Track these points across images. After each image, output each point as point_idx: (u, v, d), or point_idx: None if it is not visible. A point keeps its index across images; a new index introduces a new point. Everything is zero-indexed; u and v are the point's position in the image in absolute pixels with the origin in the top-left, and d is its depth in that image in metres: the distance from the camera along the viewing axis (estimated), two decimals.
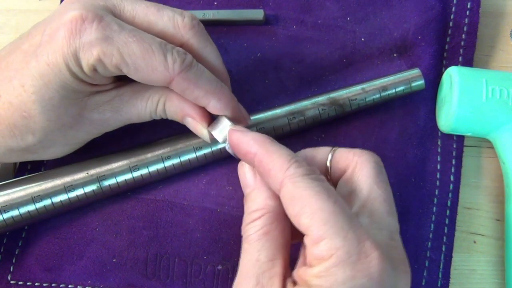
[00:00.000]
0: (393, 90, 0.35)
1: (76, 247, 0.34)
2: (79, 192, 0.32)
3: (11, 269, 0.34)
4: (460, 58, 0.38)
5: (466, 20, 0.38)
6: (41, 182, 0.32)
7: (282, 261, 0.26)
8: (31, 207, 0.32)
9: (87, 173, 0.32)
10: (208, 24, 0.39)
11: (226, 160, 0.35)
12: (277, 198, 0.27)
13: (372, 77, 0.36)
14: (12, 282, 0.34)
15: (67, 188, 0.32)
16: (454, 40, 0.38)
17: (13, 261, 0.34)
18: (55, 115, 0.29)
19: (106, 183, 0.33)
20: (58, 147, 0.31)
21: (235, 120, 0.31)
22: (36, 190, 0.32)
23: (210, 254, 0.34)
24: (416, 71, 0.35)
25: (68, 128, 0.30)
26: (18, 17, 0.41)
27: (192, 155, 0.33)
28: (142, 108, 0.31)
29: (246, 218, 0.28)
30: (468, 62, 0.38)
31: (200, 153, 0.33)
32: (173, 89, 0.29)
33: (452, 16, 0.39)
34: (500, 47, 0.39)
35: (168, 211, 0.35)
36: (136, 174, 0.33)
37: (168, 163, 0.33)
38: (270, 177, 0.26)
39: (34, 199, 0.32)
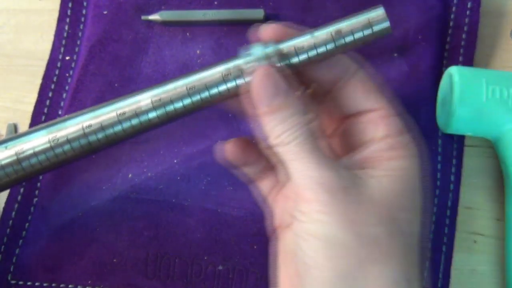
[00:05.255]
0: (351, 37, 0.28)
1: (77, 247, 0.34)
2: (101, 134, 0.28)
3: (11, 269, 0.34)
4: (461, 58, 0.38)
5: (467, 19, 0.38)
6: (61, 125, 0.28)
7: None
8: (49, 153, 0.28)
9: (116, 113, 0.28)
10: (208, 24, 0.39)
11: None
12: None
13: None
14: (12, 282, 0.34)
15: (84, 129, 0.28)
16: (454, 40, 0.38)
17: (13, 261, 0.34)
18: None
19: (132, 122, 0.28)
20: None
21: None
22: (56, 133, 0.28)
23: (210, 255, 0.34)
24: (379, 11, 0.28)
25: None
26: (18, 17, 0.41)
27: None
28: None
29: (277, 128, 0.25)
30: (469, 61, 0.38)
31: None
32: None
33: (452, 16, 0.39)
34: (500, 47, 0.39)
35: (169, 211, 0.35)
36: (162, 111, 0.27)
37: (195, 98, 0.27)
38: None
39: (50, 141, 0.27)
